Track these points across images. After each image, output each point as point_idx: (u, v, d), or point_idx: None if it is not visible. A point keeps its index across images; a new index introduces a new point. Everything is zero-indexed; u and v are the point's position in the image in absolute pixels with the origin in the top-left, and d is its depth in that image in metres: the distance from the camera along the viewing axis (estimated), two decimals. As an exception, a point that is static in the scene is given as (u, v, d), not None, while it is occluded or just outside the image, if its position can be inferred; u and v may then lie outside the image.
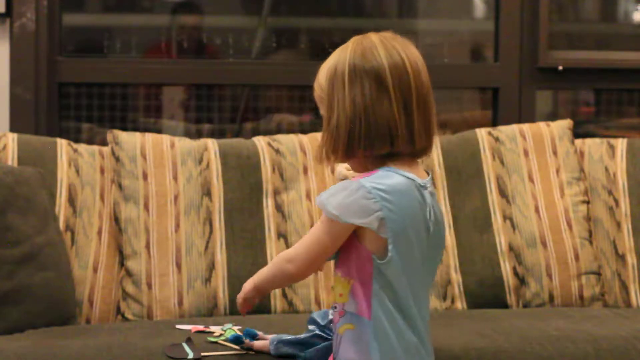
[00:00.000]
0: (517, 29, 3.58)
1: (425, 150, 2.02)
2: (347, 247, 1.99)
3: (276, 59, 3.83)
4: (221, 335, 2.47)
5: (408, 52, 2.00)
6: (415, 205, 1.97)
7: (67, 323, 2.70)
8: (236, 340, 2.33)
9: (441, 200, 3.03)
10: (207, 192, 2.94)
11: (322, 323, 2.24)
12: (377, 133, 1.97)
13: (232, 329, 2.49)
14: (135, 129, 3.54)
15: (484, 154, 3.07)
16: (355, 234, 1.97)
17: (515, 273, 2.98)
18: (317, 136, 3.09)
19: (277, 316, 2.83)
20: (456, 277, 2.97)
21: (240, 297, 2.18)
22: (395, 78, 1.97)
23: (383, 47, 1.99)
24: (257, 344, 2.30)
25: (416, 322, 2.00)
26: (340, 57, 2.01)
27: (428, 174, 2.05)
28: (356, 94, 1.97)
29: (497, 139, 3.10)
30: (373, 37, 2.02)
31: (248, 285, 2.17)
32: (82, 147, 3.01)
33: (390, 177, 1.96)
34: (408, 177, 1.97)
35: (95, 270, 2.87)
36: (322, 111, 2.04)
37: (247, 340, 2.32)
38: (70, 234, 2.87)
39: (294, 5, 3.93)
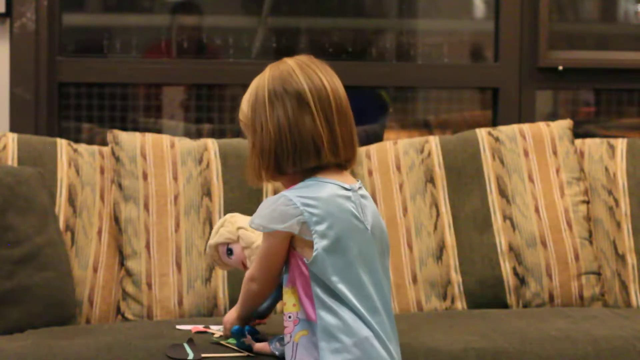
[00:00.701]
0: (517, 29, 3.58)
1: (350, 160, 2.15)
2: (288, 258, 2.13)
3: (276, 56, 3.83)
4: (221, 336, 2.47)
5: (324, 71, 2.12)
6: (341, 206, 2.09)
7: (67, 323, 2.70)
8: (238, 333, 2.33)
9: (441, 200, 3.03)
10: (207, 192, 2.94)
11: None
12: (303, 148, 2.08)
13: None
14: (135, 129, 3.54)
15: (484, 154, 3.07)
16: (292, 245, 2.11)
17: (515, 273, 2.98)
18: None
19: (277, 316, 2.83)
20: (456, 277, 2.97)
21: (227, 331, 2.37)
22: (315, 95, 2.09)
23: (300, 69, 2.11)
24: (257, 345, 2.30)
25: (366, 316, 2.07)
26: (259, 83, 2.13)
27: (357, 181, 2.17)
28: (279, 114, 2.09)
29: (497, 139, 3.10)
30: (290, 62, 2.14)
31: (230, 317, 2.35)
32: (82, 147, 3.00)
33: (312, 185, 2.10)
34: (332, 183, 2.10)
35: (95, 270, 2.86)
36: (249, 137, 2.16)
37: (249, 336, 2.32)
38: (70, 234, 2.87)
39: (294, 5, 3.93)
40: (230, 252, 2.37)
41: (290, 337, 2.11)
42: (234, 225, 2.37)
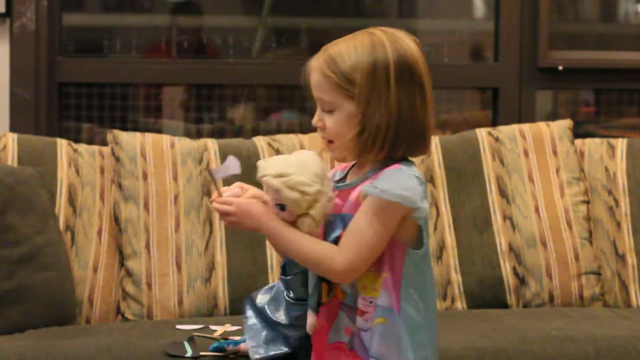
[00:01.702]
0: (517, 29, 3.58)
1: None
2: None
3: (279, 55, 3.83)
4: (222, 335, 2.47)
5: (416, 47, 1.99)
6: None
7: (67, 323, 2.70)
8: (218, 349, 2.32)
9: (441, 200, 3.03)
10: (207, 192, 2.94)
11: (262, 304, 2.08)
12: (417, 134, 1.93)
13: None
14: (135, 129, 3.54)
15: (484, 154, 3.07)
16: None
17: (515, 273, 2.98)
18: (317, 136, 3.08)
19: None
20: (456, 277, 2.97)
21: (234, 205, 1.96)
22: (430, 83, 1.96)
23: (420, 52, 1.97)
24: (243, 346, 2.28)
25: (436, 314, 1.98)
26: (378, 56, 1.93)
27: None
28: (403, 96, 1.92)
29: (497, 139, 3.10)
30: (408, 40, 1.97)
31: (258, 214, 1.94)
32: (82, 147, 3.00)
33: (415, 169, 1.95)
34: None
35: (95, 270, 2.86)
36: (330, 99, 1.94)
37: (229, 347, 2.31)
38: (70, 234, 2.87)
39: (294, 5, 3.93)
40: (283, 207, 1.92)
41: (368, 322, 1.93)
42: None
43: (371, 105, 1.92)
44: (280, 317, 2.01)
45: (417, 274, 1.93)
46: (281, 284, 2.02)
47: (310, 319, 1.94)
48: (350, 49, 1.94)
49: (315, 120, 1.96)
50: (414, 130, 1.93)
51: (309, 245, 1.90)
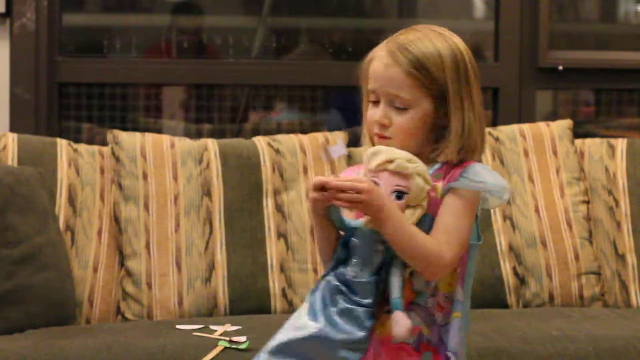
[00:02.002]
0: (517, 29, 3.58)
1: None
2: None
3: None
4: (222, 335, 2.47)
5: None
6: None
7: (67, 323, 2.70)
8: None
9: (441, 200, 3.03)
10: (207, 192, 2.94)
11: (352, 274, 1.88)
12: (484, 137, 1.93)
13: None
14: (135, 129, 3.54)
15: (484, 154, 3.07)
16: None
17: (515, 273, 2.98)
18: (317, 136, 3.09)
19: (277, 316, 2.83)
20: (456, 277, 2.97)
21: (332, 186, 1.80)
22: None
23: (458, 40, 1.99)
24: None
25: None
26: (454, 52, 1.91)
27: None
28: (478, 94, 1.92)
29: (497, 139, 3.10)
30: (457, 38, 1.98)
31: (383, 197, 1.81)
32: (82, 147, 3.00)
33: None
34: None
35: (95, 270, 2.86)
36: (408, 97, 1.88)
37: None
38: (70, 234, 2.87)
39: (294, 5, 3.93)
40: (400, 196, 1.83)
41: (446, 317, 1.91)
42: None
43: (456, 105, 1.88)
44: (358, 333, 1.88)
45: (472, 266, 1.94)
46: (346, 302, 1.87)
47: (405, 320, 1.82)
48: (432, 48, 1.89)
49: (380, 117, 1.88)
50: (483, 130, 1.91)
51: (423, 238, 1.84)
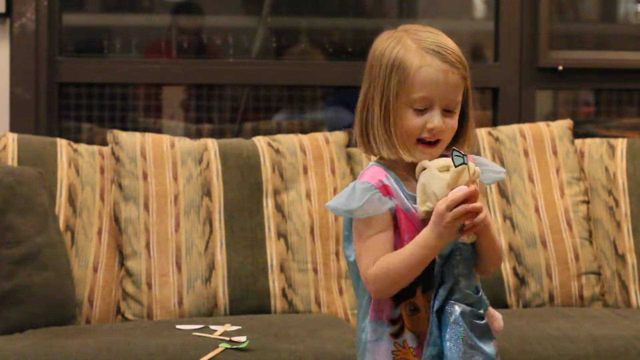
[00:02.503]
0: (517, 29, 3.58)
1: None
2: None
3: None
4: (222, 334, 2.47)
5: None
6: None
7: (67, 323, 2.70)
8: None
9: (441, 200, 3.03)
10: (207, 192, 2.94)
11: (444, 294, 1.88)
12: None
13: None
14: (135, 129, 3.54)
15: (484, 154, 3.07)
16: None
17: (515, 273, 2.98)
18: (317, 136, 3.09)
19: (277, 316, 2.83)
20: (456, 277, 2.97)
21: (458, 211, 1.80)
22: None
23: None
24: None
25: None
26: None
27: None
28: None
29: (497, 139, 3.10)
30: None
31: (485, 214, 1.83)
32: (82, 147, 3.01)
33: None
34: None
35: (95, 270, 2.86)
36: (460, 98, 1.92)
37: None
38: (70, 234, 2.87)
39: (294, 5, 3.93)
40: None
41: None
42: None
43: (470, 99, 1.95)
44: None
45: None
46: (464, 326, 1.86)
47: (498, 313, 1.96)
48: (457, 48, 1.94)
49: (441, 123, 1.88)
50: None
51: (498, 240, 1.95)
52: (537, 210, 3.03)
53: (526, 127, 3.15)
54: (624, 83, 3.72)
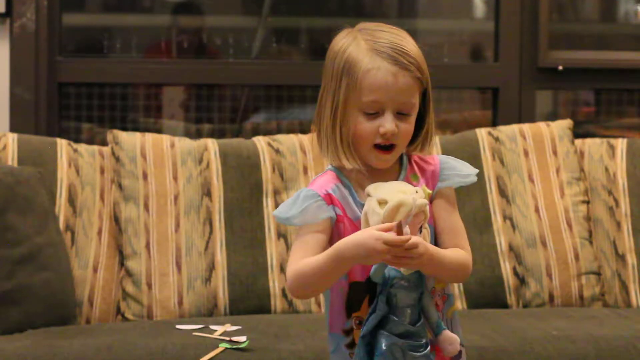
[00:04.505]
0: (517, 29, 3.58)
1: None
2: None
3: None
4: (222, 334, 2.47)
5: None
6: None
7: (67, 323, 2.70)
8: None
9: (441, 200, 3.03)
10: (207, 192, 2.94)
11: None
12: None
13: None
14: (135, 129, 3.54)
15: (484, 154, 3.07)
16: None
17: (515, 273, 2.98)
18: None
19: (277, 316, 2.83)
20: (456, 277, 2.97)
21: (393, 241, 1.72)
22: None
23: None
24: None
25: None
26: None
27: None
28: None
29: (497, 139, 3.10)
30: None
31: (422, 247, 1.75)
32: (82, 147, 3.01)
33: None
34: None
35: (95, 270, 2.86)
36: (415, 100, 1.84)
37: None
38: (70, 234, 2.87)
39: (294, 5, 3.93)
40: (421, 228, 1.82)
41: (445, 314, 1.89)
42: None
43: (430, 101, 1.88)
44: None
45: None
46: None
47: (454, 335, 1.86)
48: (414, 47, 1.85)
49: (393, 127, 1.81)
50: None
51: (454, 254, 1.84)
52: (537, 210, 3.03)
53: (526, 127, 3.15)
54: (624, 83, 3.72)
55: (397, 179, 1.87)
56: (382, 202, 1.76)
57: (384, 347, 1.78)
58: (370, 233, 1.72)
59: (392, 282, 1.79)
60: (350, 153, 1.83)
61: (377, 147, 1.83)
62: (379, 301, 1.79)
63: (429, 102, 1.88)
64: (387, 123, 1.81)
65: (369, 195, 1.79)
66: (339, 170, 1.87)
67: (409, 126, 1.84)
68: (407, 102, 1.82)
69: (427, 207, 1.79)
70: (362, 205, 1.81)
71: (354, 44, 1.84)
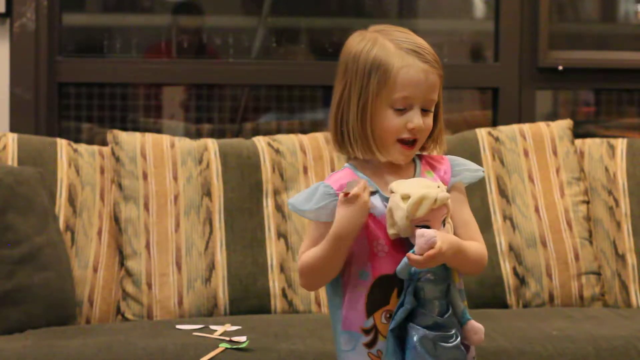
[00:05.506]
0: (517, 29, 3.58)
1: None
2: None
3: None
4: (222, 334, 2.47)
5: None
6: None
7: (67, 323, 2.70)
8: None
9: (441, 200, 3.03)
10: (207, 192, 2.94)
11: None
12: None
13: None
14: (135, 129, 3.54)
15: (484, 154, 3.07)
16: None
17: (515, 273, 2.98)
18: (317, 136, 3.09)
19: (277, 316, 2.83)
20: (456, 277, 2.97)
21: (432, 253, 1.80)
22: None
23: None
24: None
25: None
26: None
27: None
28: None
29: (497, 139, 3.10)
30: None
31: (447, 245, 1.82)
32: (82, 147, 3.01)
33: None
34: None
35: (95, 270, 2.86)
36: (436, 97, 1.93)
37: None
38: (70, 234, 2.87)
39: (294, 5, 3.93)
40: (444, 222, 1.88)
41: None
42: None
43: (441, 99, 1.95)
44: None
45: None
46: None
47: (479, 325, 1.93)
48: (430, 46, 1.95)
49: (421, 122, 1.89)
50: None
51: (473, 247, 1.91)
52: (537, 210, 3.03)
53: (526, 127, 3.15)
54: (624, 83, 3.72)
55: (413, 176, 1.92)
56: (405, 197, 1.82)
57: (415, 340, 1.82)
58: (361, 212, 1.82)
59: (418, 276, 1.84)
60: (382, 146, 1.90)
61: (401, 141, 1.90)
62: (406, 295, 1.83)
63: (441, 100, 1.96)
64: (416, 118, 1.88)
65: (392, 191, 1.84)
66: (356, 167, 1.93)
67: (430, 122, 1.91)
68: (433, 99, 1.91)
69: (449, 201, 1.84)
70: (386, 198, 1.86)
71: (379, 44, 1.91)
